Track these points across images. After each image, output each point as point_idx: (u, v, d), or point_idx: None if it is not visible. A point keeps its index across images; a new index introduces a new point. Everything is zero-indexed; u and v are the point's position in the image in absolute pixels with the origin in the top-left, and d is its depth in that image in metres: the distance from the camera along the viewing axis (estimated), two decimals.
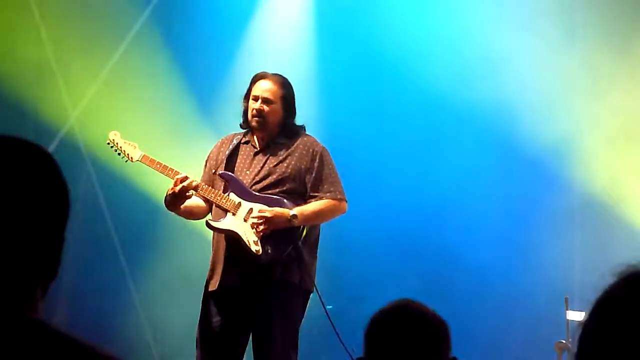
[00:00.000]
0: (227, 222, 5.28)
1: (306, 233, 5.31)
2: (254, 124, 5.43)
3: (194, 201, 5.41)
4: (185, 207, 5.36)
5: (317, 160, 5.41)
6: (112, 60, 7.75)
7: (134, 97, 7.71)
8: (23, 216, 1.62)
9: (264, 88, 5.43)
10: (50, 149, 6.80)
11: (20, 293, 1.61)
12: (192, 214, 5.47)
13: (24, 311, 1.60)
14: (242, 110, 5.54)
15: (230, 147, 5.47)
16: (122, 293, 7.83)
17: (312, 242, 5.39)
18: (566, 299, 6.05)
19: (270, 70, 5.61)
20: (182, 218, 5.58)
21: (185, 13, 7.86)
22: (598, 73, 7.36)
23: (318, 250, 5.47)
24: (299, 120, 5.55)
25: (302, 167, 5.38)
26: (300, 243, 5.27)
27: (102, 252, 7.70)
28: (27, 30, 7.62)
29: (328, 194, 5.37)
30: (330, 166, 5.45)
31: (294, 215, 5.20)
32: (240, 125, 5.56)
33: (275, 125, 5.44)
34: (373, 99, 7.62)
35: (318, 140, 5.53)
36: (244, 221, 5.24)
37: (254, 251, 5.19)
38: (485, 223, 7.39)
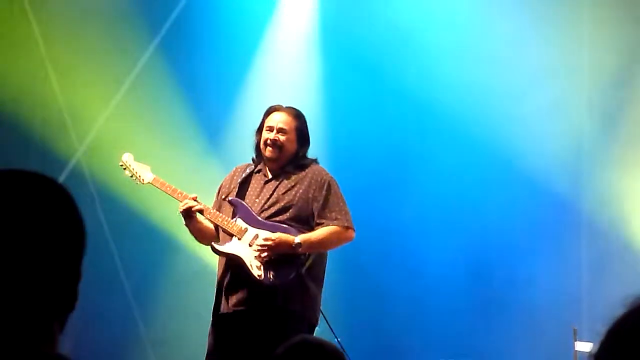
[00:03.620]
0: (232, 246, 5.29)
1: (312, 264, 5.28)
2: (268, 154, 5.44)
3: (208, 225, 5.44)
4: (199, 227, 5.40)
5: (325, 189, 5.41)
6: (119, 93, 7.74)
7: (141, 129, 7.69)
8: (40, 251, 1.62)
9: (279, 119, 5.45)
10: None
11: (38, 328, 1.61)
12: (203, 236, 5.46)
13: (42, 346, 1.60)
14: (254, 143, 5.55)
15: (243, 175, 5.50)
16: (128, 328, 7.81)
17: (318, 275, 5.37)
18: (574, 330, 6.02)
19: (279, 102, 5.66)
20: (189, 250, 5.68)
21: (193, 44, 7.87)
22: (608, 75, 7.31)
23: (327, 281, 5.45)
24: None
25: (310, 195, 5.38)
26: (304, 270, 5.25)
27: (108, 286, 7.67)
28: (33, 64, 7.63)
29: (335, 221, 5.35)
30: (338, 195, 5.45)
31: (298, 244, 5.19)
32: (253, 160, 5.58)
33: (288, 156, 5.46)
34: (383, 128, 7.63)
35: (327, 171, 5.54)
36: (248, 246, 5.25)
37: (256, 276, 5.19)
38: (487, 253, 7.39)
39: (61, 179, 7.49)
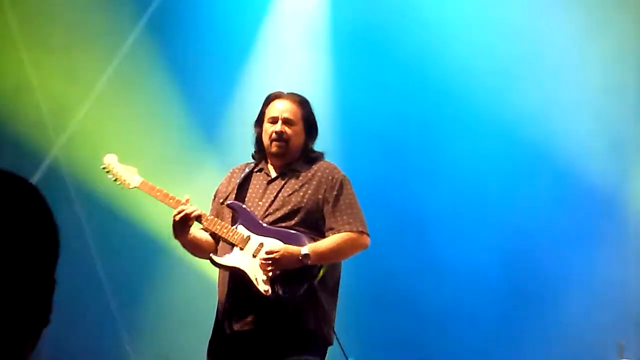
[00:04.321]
0: (233, 258, 4.89)
1: (324, 273, 4.88)
2: (274, 149, 5.05)
3: (202, 235, 5.05)
4: (192, 239, 5.00)
5: (336, 189, 5.01)
6: (101, 81, 7.53)
7: (126, 122, 7.51)
8: (9, 260, 1.54)
9: (283, 108, 5.06)
10: (33, 181, 6.49)
11: (7, 347, 1.53)
12: (198, 249, 5.06)
13: None
14: (254, 137, 5.17)
15: (242, 176, 5.11)
16: (111, 339, 7.61)
17: (332, 286, 4.98)
18: (620, 346, 5.77)
19: (283, 88, 5.29)
20: (182, 254, 5.32)
21: (184, 26, 7.68)
22: None
23: (341, 290, 5.07)
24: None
25: (320, 196, 4.99)
26: (316, 282, 4.84)
27: (89, 296, 7.47)
28: (7, 50, 7.42)
29: (346, 227, 4.95)
30: (351, 196, 5.04)
31: (306, 255, 4.79)
32: (253, 156, 5.21)
33: (296, 150, 5.08)
34: (400, 115, 7.33)
35: (339, 168, 5.14)
36: (252, 257, 4.86)
37: (263, 291, 4.80)
38: (520, 254, 7.14)
39: (36, 176, 7.33)
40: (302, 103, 5.10)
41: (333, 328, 4.93)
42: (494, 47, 7.22)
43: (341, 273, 5.04)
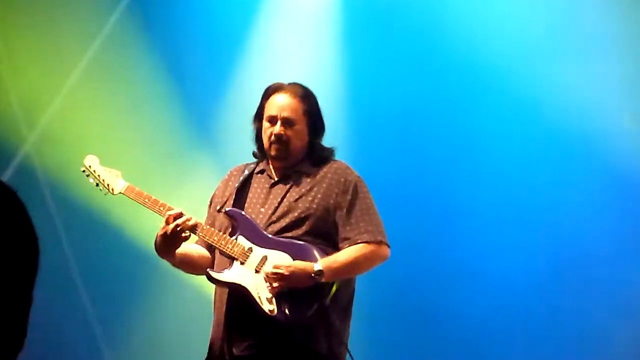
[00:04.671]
0: (233, 273, 4.60)
1: (337, 289, 4.59)
2: (274, 152, 4.77)
3: (194, 248, 4.77)
4: (182, 254, 4.70)
5: (351, 193, 4.70)
6: (78, 69, 7.27)
7: (107, 116, 7.26)
8: None
9: (282, 105, 4.77)
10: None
11: None
12: (191, 265, 4.78)
13: None
14: (253, 134, 4.89)
15: (241, 179, 4.83)
16: (91, 356, 7.36)
17: (345, 303, 4.72)
18: None
19: (285, 78, 4.99)
20: (166, 264, 4.91)
21: (174, 6, 7.36)
22: None
23: (355, 307, 4.77)
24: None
25: (331, 201, 4.68)
26: (327, 302, 4.56)
27: (66, 308, 7.18)
28: None
29: (364, 236, 4.64)
30: (368, 201, 4.74)
31: (319, 272, 4.50)
32: (254, 154, 4.92)
33: (300, 151, 4.80)
34: (423, 105, 6.94)
35: (352, 168, 4.83)
36: (255, 272, 4.58)
37: (267, 311, 4.51)
38: (564, 267, 6.69)
39: (5, 177, 7.05)
40: (305, 97, 4.81)
41: (346, 346, 4.63)
42: (529, 17, 6.85)
43: (355, 287, 4.74)
